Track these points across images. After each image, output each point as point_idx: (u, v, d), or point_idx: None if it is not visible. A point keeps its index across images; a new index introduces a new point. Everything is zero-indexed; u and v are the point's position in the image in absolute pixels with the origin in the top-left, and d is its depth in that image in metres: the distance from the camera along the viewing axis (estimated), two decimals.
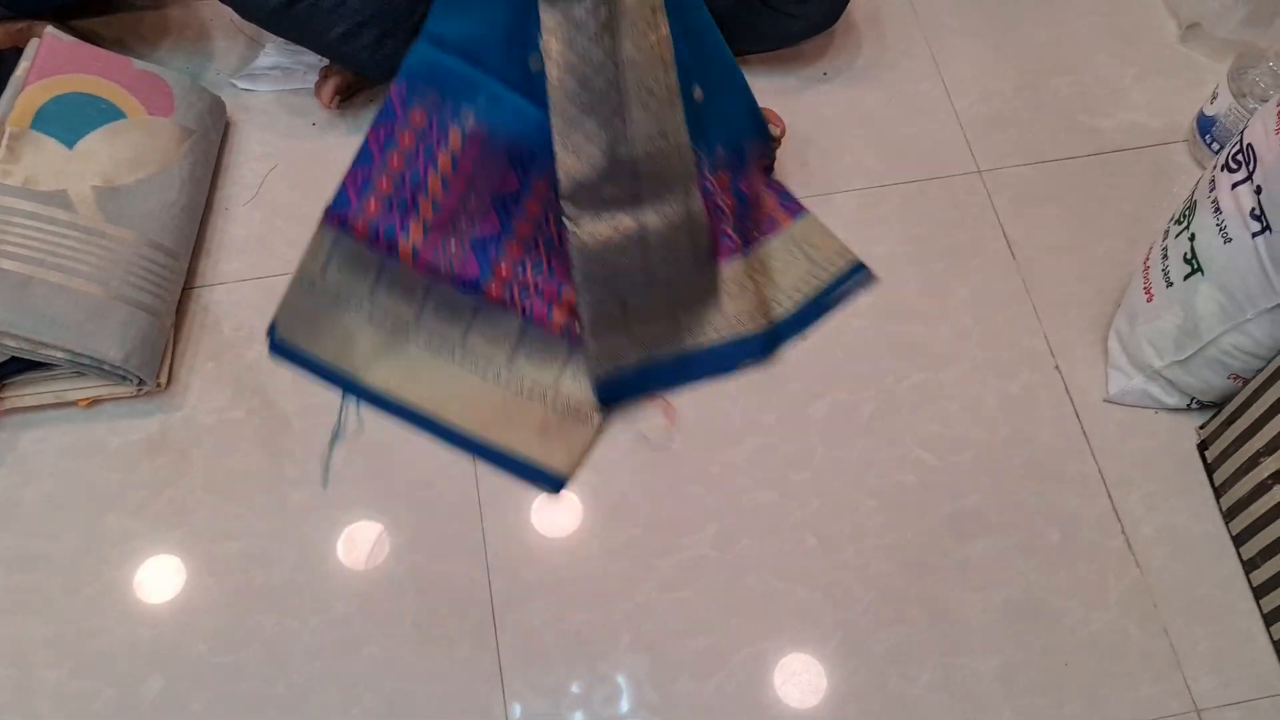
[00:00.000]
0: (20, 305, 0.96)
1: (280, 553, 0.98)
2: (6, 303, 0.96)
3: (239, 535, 0.98)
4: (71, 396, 1.02)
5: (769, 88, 1.25)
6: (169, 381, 1.05)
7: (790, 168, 1.20)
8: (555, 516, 1.00)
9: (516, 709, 0.92)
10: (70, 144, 1.05)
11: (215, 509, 1.00)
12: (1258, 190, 0.91)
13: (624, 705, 0.92)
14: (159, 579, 0.96)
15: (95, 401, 1.03)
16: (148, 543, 0.98)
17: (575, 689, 0.93)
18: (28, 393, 1.02)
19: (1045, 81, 1.28)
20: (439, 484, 1.01)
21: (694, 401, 1.06)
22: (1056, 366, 1.09)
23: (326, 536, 0.99)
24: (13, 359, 0.99)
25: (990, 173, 1.21)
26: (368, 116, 1.21)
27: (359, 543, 0.98)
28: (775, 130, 1.14)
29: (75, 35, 1.13)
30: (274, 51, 1.25)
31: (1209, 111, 1.19)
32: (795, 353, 1.09)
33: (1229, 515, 1.01)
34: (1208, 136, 1.19)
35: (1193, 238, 0.99)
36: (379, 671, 0.93)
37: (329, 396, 1.05)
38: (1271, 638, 0.96)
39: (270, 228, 1.15)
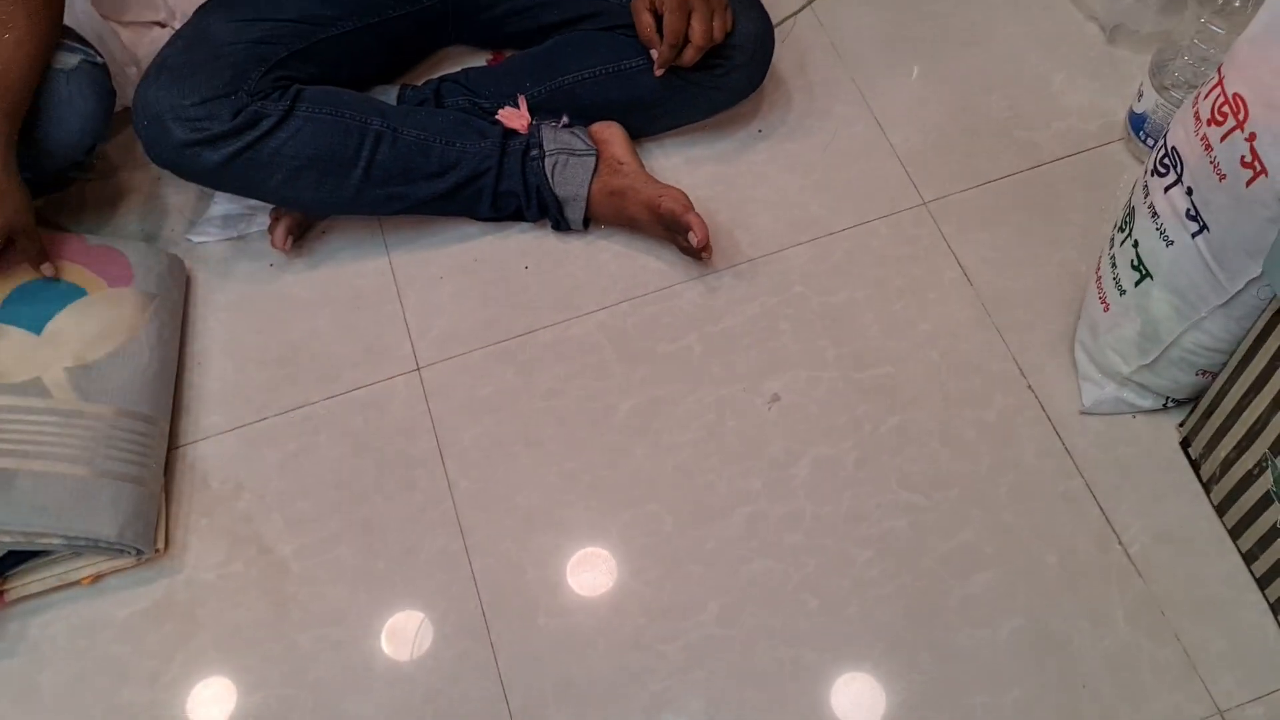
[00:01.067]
0: (8, 501, 0.98)
1: (297, 699, 0.99)
2: None
3: (254, 689, 1.00)
4: (74, 577, 1.04)
5: (706, 153, 1.28)
6: (166, 545, 1.06)
7: (737, 230, 1.22)
8: (561, 618, 1.01)
9: None
10: (38, 330, 1.08)
11: (228, 666, 1.01)
12: (1189, 191, 0.92)
13: None
14: None
15: (98, 578, 1.05)
16: (167, 712, 0.99)
17: None
18: (31, 580, 1.04)
19: (976, 102, 1.30)
20: (442, 605, 1.02)
21: (678, 480, 1.07)
22: (1029, 386, 1.10)
23: (339, 679, 1.00)
24: (10, 552, 1.01)
25: (935, 203, 1.23)
26: (324, 251, 1.23)
27: (373, 677, 1.00)
28: (694, 239, 1.13)
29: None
30: (224, 200, 1.27)
31: (1138, 109, 1.20)
32: (770, 414, 1.10)
33: (1221, 509, 1.02)
34: (1141, 133, 1.21)
35: (1136, 244, 1.00)
36: None
37: (323, 532, 1.06)
38: None
39: (244, 375, 1.17)
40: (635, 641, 1.00)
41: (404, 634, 1.01)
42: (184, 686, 1.00)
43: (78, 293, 1.11)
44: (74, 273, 1.12)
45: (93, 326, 1.09)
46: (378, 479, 1.09)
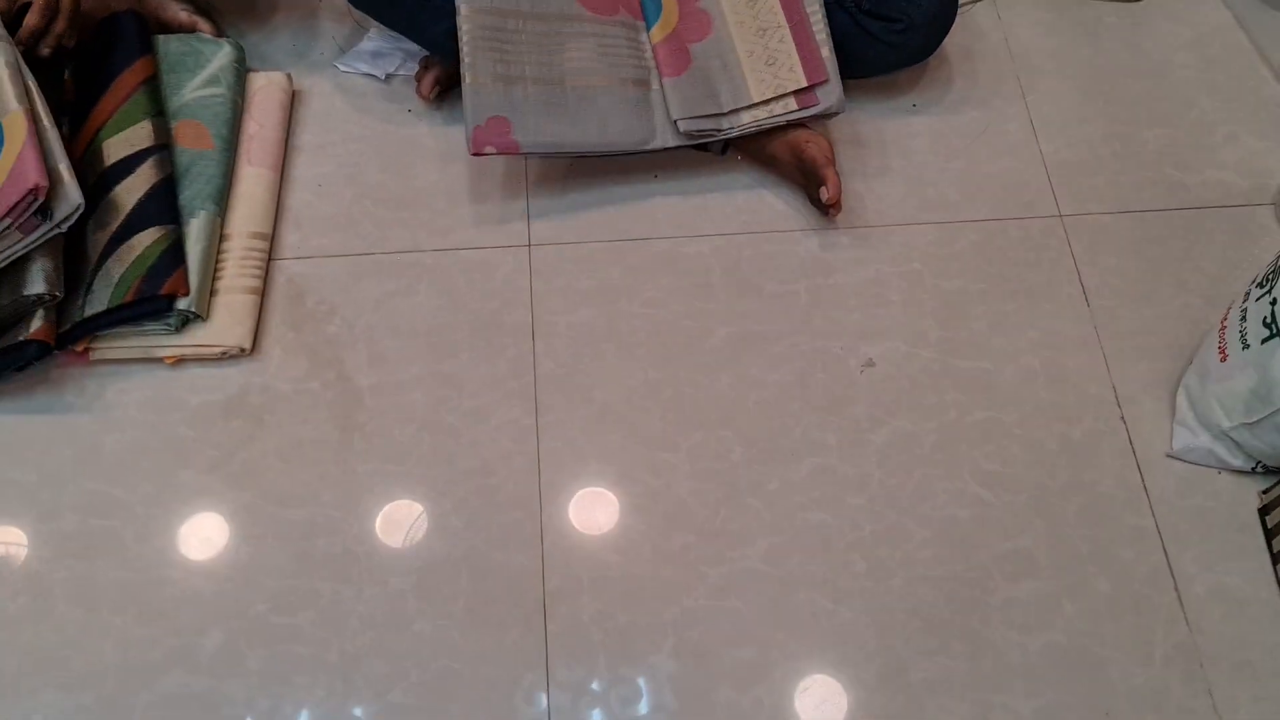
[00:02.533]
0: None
1: (344, 523, 1.01)
2: None
3: (305, 502, 1.01)
4: (159, 353, 1.06)
5: (857, 114, 1.27)
6: (253, 347, 1.08)
7: (869, 196, 1.21)
8: (612, 516, 1.02)
9: (559, 698, 0.94)
10: None
11: (285, 475, 1.03)
12: None
13: (662, 708, 0.94)
14: (226, 537, 1.00)
15: (181, 360, 1.07)
16: (218, 501, 1.01)
17: (617, 685, 0.95)
18: (117, 345, 1.06)
19: (1135, 132, 1.28)
20: (502, 473, 1.03)
21: (756, 415, 1.08)
22: (1122, 417, 1.09)
23: (389, 514, 1.01)
24: (105, 314, 1.02)
25: (1071, 218, 1.21)
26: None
27: (420, 522, 1.01)
28: (825, 194, 1.14)
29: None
30: (377, 37, 1.28)
31: None
32: (861, 377, 1.10)
33: None
34: None
35: (1274, 302, 0.98)
36: (427, 648, 0.96)
37: (402, 375, 1.08)
38: None
39: (360, 208, 1.18)
40: (680, 557, 1.01)
41: (458, 490, 1.03)
42: (238, 482, 1.02)
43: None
44: None
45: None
46: (467, 338, 1.10)
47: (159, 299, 1.03)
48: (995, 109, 1.29)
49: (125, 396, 1.06)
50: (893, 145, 1.25)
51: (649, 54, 1.18)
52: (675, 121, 1.15)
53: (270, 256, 1.14)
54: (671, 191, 1.21)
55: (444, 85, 1.23)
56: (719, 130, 1.16)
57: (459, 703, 0.94)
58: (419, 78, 1.23)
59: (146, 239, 1.05)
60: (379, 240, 1.16)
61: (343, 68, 1.27)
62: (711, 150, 1.22)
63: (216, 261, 1.10)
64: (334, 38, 1.30)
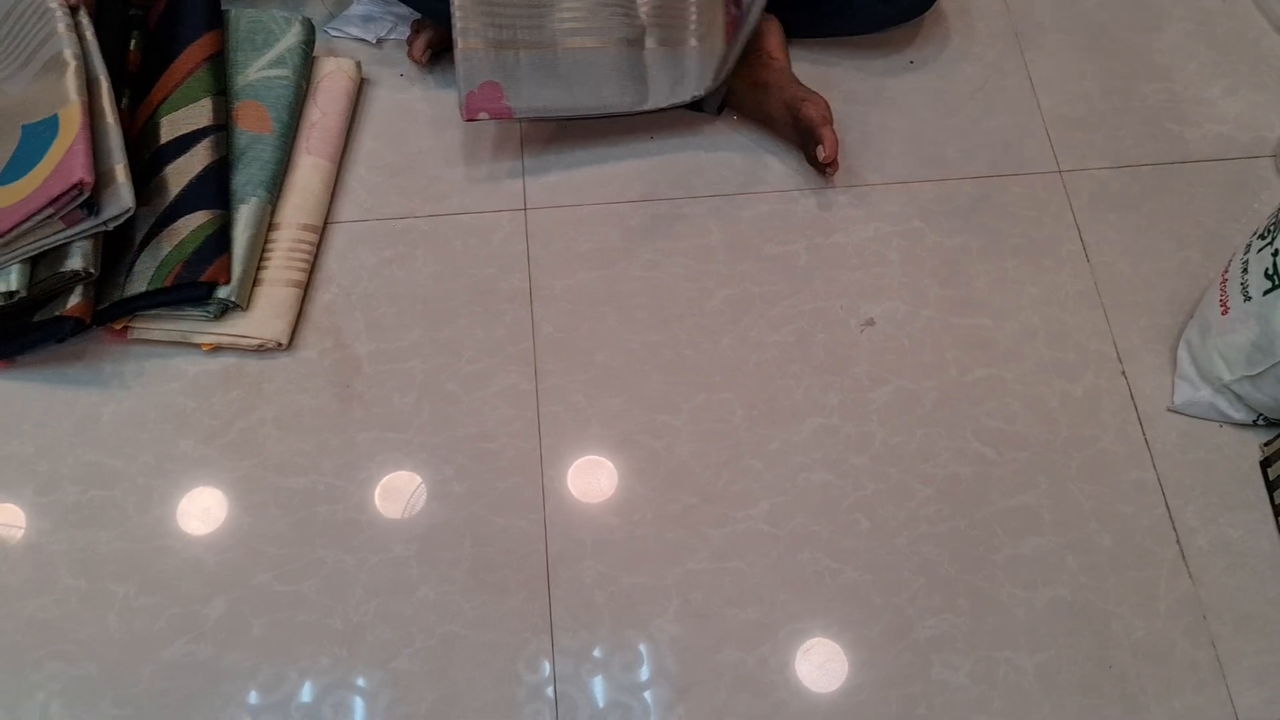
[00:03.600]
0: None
1: (344, 491, 1.00)
2: None
3: (305, 471, 1.01)
4: (196, 339, 1.05)
5: (853, 71, 1.26)
6: (290, 343, 1.07)
7: (867, 154, 1.20)
8: (614, 479, 1.02)
9: (563, 663, 0.94)
10: None
11: (284, 444, 1.02)
12: None
13: (668, 670, 0.94)
14: (227, 506, 0.99)
15: (218, 348, 1.06)
16: (218, 470, 1.01)
17: (622, 649, 0.95)
18: (154, 327, 1.05)
19: (1134, 86, 1.27)
20: (502, 438, 1.03)
21: (757, 376, 1.07)
22: (1123, 372, 1.09)
23: (390, 481, 1.01)
24: (143, 296, 1.02)
25: (1071, 173, 1.20)
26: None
27: (421, 490, 1.01)
28: (822, 154, 1.13)
29: None
30: (368, 1, 1.26)
31: None
32: (861, 336, 1.09)
33: None
34: None
35: (1276, 253, 0.98)
36: (432, 614, 0.96)
37: (401, 342, 1.07)
38: None
39: (352, 175, 1.17)
40: (682, 519, 1.00)
41: (459, 456, 1.02)
42: (237, 451, 1.02)
43: None
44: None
45: None
46: (466, 304, 1.09)
47: (199, 285, 1.02)
48: (993, 64, 1.28)
49: (123, 367, 1.05)
50: (890, 103, 1.24)
51: (642, 14, 1.17)
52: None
53: (318, 251, 1.13)
54: (668, 152, 1.20)
55: (436, 49, 1.22)
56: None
57: (463, 668, 0.94)
58: (411, 41, 1.21)
59: (193, 222, 1.04)
60: (374, 207, 1.15)
61: (333, 32, 1.25)
62: (707, 110, 1.21)
63: (263, 251, 1.08)
64: (324, 2, 1.28)
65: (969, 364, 1.09)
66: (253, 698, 0.92)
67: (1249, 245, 1.04)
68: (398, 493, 1.01)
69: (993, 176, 1.20)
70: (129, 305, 1.02)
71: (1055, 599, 0.98)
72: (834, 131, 1.13)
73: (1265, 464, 1.05)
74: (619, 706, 0.93)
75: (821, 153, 1.13)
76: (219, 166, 1.07)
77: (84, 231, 0.98)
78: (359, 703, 0.92)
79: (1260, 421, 1.05)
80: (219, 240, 1.04)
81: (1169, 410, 1.07)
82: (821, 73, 1.25)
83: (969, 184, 1.19)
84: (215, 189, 1.06)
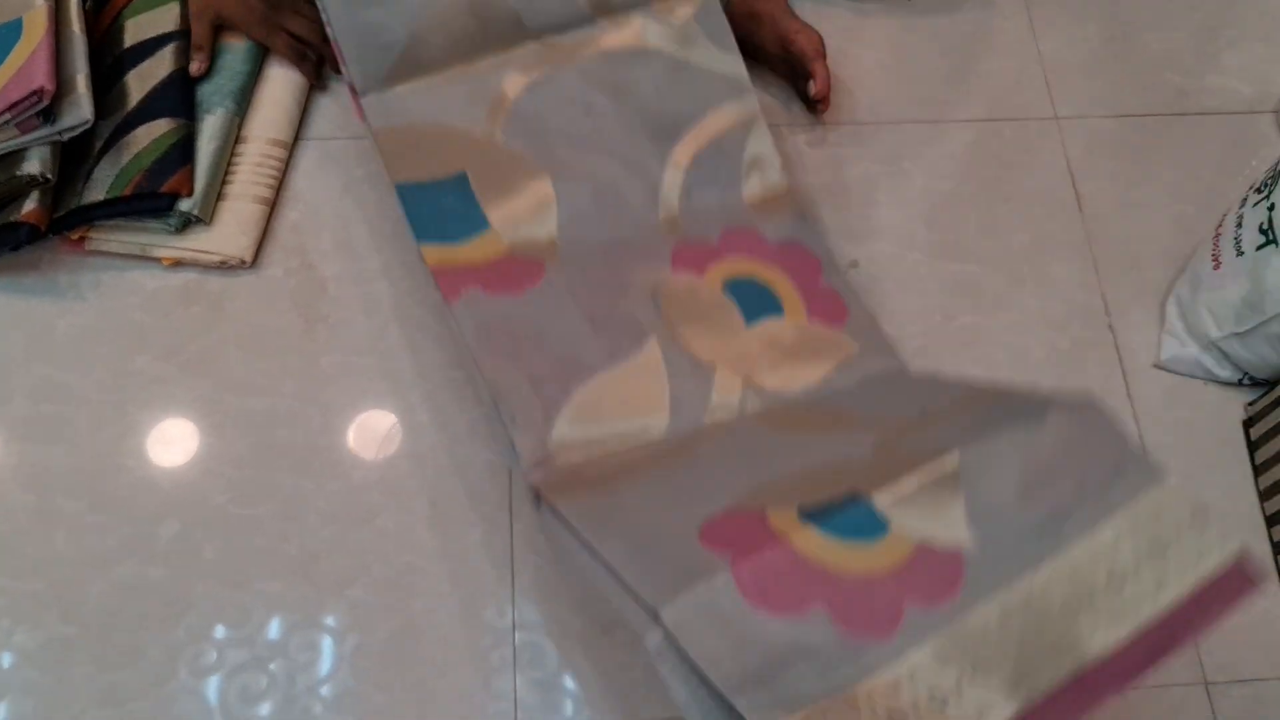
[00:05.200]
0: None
1: (305, 415, 0.97)
2: None
3: (266, 393, 0.98)
4: (156, 253, 1.01)
5: (850, 9, 1.21)
6: (254, 260, 1.03)
7: (859, 91, 1.17)
8: None
9: (523, 601, 0.92)
10: None
11: (244, 364, 0.99)
12: None
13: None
14: (183, 426, 0.96)
15: (179, 263, 1.02)
16: (176, 389, 0.98)
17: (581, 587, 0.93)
18: (113, 239, 1.01)
19: (1137, 35, 1.24)
20: (470, 368, 1.00)
21: None
22: (1109, 325, 1.07)
23: (352, 406, 0.98)
24: (101, 205, 0.98)
25: (1067, 120, 1.17)
26: None
27: (384, 416, 0.98)
28: (813, 89, 1.09)
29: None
30: None
31: None
32: (849, 277, 1.06)
33: (1265, 495, 0.99)
34: None
35: (1272, 208, 0.95)
36: (390, 544, 0.93)
37: (369, 264, 1.04)
38: None
39: (325, 92, 1.13)
40: None
41: (425, 384, 0.99)
42: (196, 369, 0.98)
43: None
44: None
45: None
46: None
47: (160, 196, 0.98)
48: (993, 5, 1.24)
49: (79, 279, 1.01)
50: (886, 40, 1.20)
51: None
52: None
53: (287, 167, 1.08)
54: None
55: None
56: None
57: (422, 599, 0.91)
58: None
59: (155, 131, 1.00)
60: (347, 124, 1.11)
61: None
62: None
63: (229, 165, 1.04)
64: None
65: (954, 310, 1.06)
66: (204, 622, 0.89)
67: (1245, 199, 1.01)
68: (360, 419, 0.98)
69: (988, 120, 1.17)
70: (86, 213, 0.98)
71: None
72: (827, 66, 1.09)
73: (1248, 424, 1.03)
74: (578, 637, 0.91)
75: (813, 87, 1.09)
76: (184, 74, 1.03)
77: (39, 139, 0.94)
78: (313, 633, 0.90)
79: (1245, 381, 1.03)
80: (182, 151, 1.00)
81: (1154, 366, 1.05)
82: (817, 7, 1.21)
83: (963, 127, 1.16)
84: (179, 97, 1.02)
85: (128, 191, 0.97)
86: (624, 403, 0.85)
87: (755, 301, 0.94)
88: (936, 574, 0.64)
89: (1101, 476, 0.71)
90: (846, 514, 0.66)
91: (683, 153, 1.01)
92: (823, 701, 0.57)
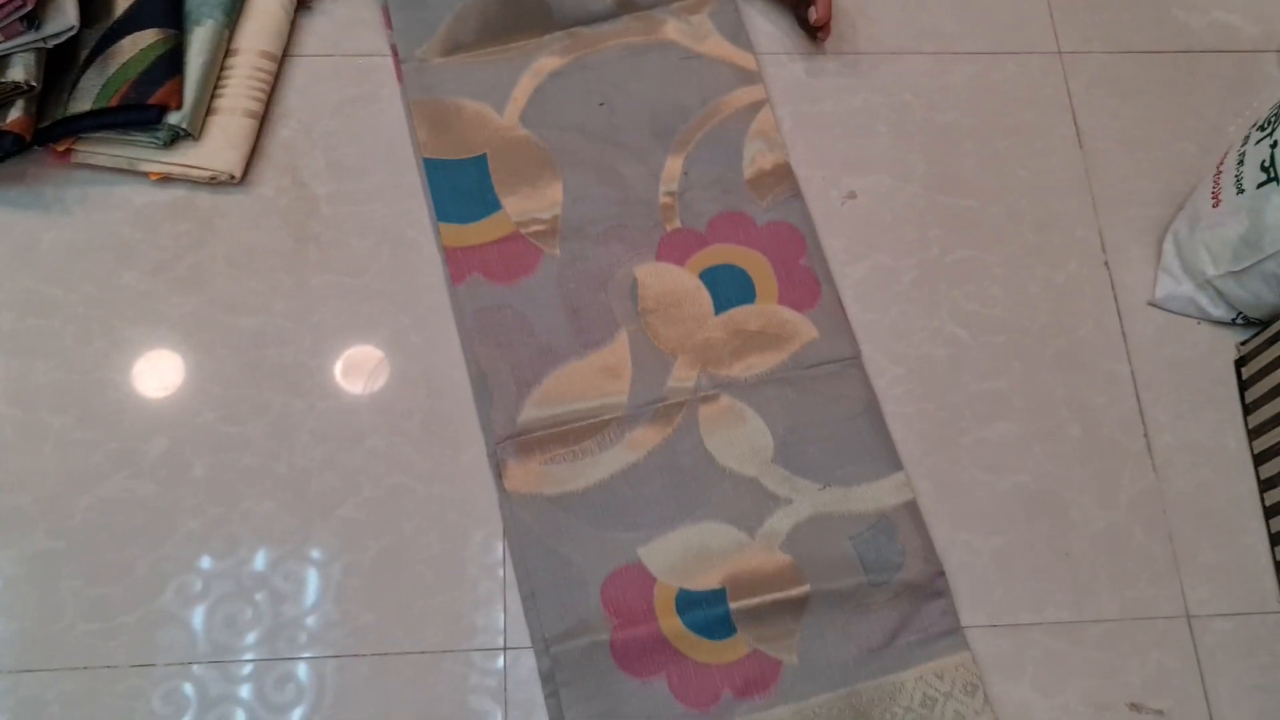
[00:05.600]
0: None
1: (296, 334, 0.96)
2: None
3: (256, 311, 0.97)
4: (143, 167, 0.99)
5: None
6: (243, 176, 1.01)
7: (861, 20, 1.15)
8: None
9: (512, 518, 0.92)
10: None
11: (234, 281, 0.98)
12: None
13: None
14: (171, 343, 0.95)
15: (167, 177, 1.00)
16: (164, 305, 0.96)
17: None
18: (100, 152, 0.99)
19: None
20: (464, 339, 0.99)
21: None
22: (1106, 262, 1.06)
23: (344, 325, 0.97)
24: (87, 115, 0.95)
25: (1070, 55, 1.15)
26: None
27: (378, 336, 0.97)
28: (814, 15, 1.07)
29: None
30: None
31: None
32: (842, 208, 1.05)
33: (1254, 434, 1.00)
34: None
35: (1275, 145, 0.94)
36: (380, 464, 0.93)
37: (362, 184, 1.02)
38: (1275, 558, 0.96)
39: (319, 7, 1.10)
40: None
41: (417, 305, 0.98)
42: (185, 286, 0.97)
43: None
44: None
45: None
46: None
47: (147, 108, 0.96)
48: None
49: (65, 192, 0.99)
50: None
51: None
52: None
53: (277, 80, 1.06)
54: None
55: None
56: None
57: (412, 520, 0.91)
58: None
59: (141, 41, 0.97)
60: (339, 41, 1.08)
61: None
62: None
63: (219, 78, 1.02)
64: None
65: (951, 244, 1.05)
66: (190, 529, 0.89)
67: (1247, 137, 1.00)
68: (352, 339, 0.97)
69: (990, 53, 1.15)
70: (72, 125, 0.96)
71: (1018, 485, 0.97)
72: None
73: (1240, 363, 1.03)
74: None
75: (813, 14, 1.07)
76: None
77: (22, 46, 0.92)
78: (300, 564, 0.89)
79: (1239, 320, 1.03)
80: (170, 62, 0.98)
81: (1149, 304, 1.05)
82: None
83: (965, 59, 1.14)
84: (167, 6, 0.99)
85: (114, 102, 0.95)
86: (589, 387, 0.95)
87: (729, 289, 1.00)
88: (757, 676, 0.88)
89: (916, 635, 0.90)
90: (708, 613, 0.88)
91: (688, 137, 1.05)
92: None
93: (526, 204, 1.01)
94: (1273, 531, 0.96)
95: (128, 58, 0.96)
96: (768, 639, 0.89)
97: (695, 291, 1.00)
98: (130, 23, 0.98)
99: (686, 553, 0.90)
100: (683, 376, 0.96)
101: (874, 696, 0.87)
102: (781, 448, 0.94)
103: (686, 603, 0.89)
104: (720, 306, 0.99)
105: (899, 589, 0.90)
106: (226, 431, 0.93)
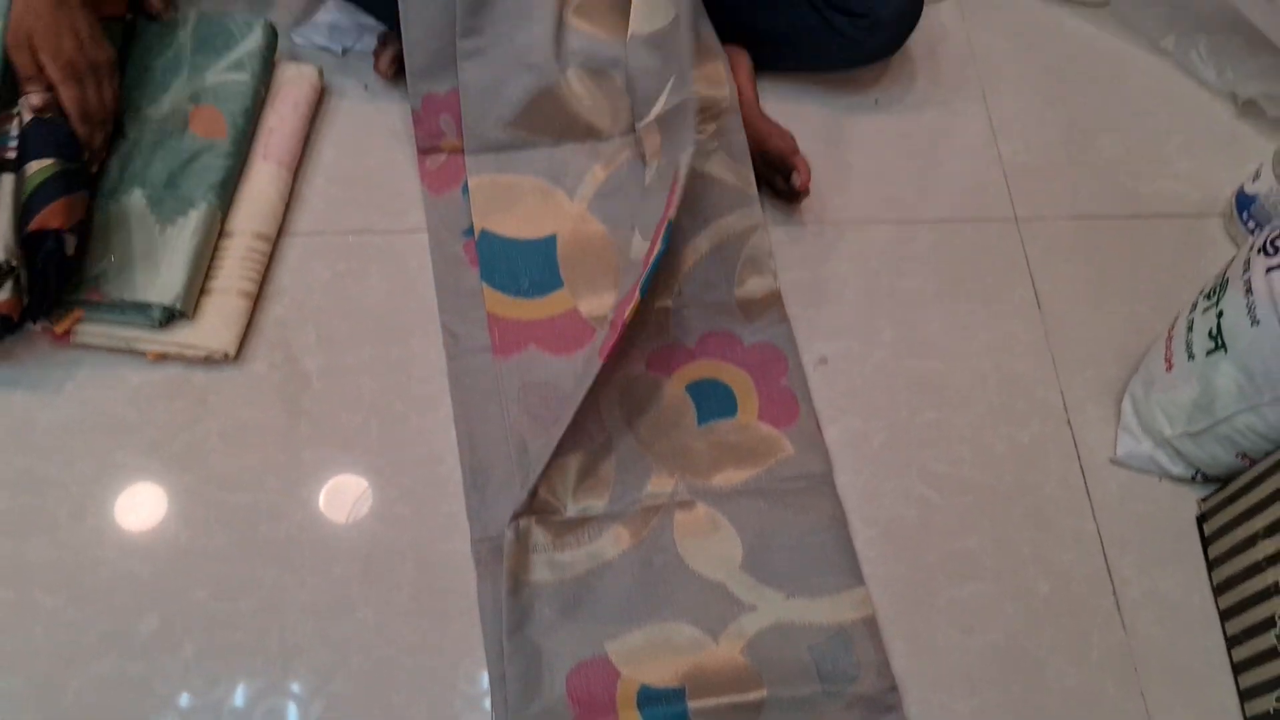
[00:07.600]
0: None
1: (288, 509, 0.99)
2: None
3: (249, 487, 0.99)
4: (140, 348, 1.03)
5: (818, 109, 1.27)
6: (238, 354, 1.05)
7: (829, 192, 1.21)
8: None
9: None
10: None
11: (228, 458, 1.01)
12: None
13: None
14: (165, 520, 0.97)
15: (164, 356, 1.03)
16: (158, 482, 0.99)
17: None
18: (100, 332, 1.02)
19: (1092, 138, 1.30)
20: (450, 461, 1.02)
21: None
22: (1068, 421, 1.11)
23: (335, 499, 1.00)
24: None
25: (1026, 221, 1.22)
26: None
27: (366, 509, 0.99)
28: (797, 180, 1.14)
29: None
30: (334, 9, 1.25)
31: (1249, 190, 1.20)
32: (816, 373, 1.10)
33: (1219, 590, 1.03)
34: (1245, 214, 1.21)
35: (1220, 315, 1.00)
36: (370, 637, 0.95)
37: (351, 359, 1.06)
38: (1245, 714, 0.98)
39: (310, 185, 1.15)
40: None
41: (405, 478, 1.01)
42: (180, 463, 1.00)
43: None
44: None
45: None
46: (419, 322, 1.08)
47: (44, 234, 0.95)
48: (956, 109, 1.30)
49: (61, 372, 1.02)
50: (853, 141, 1.25)
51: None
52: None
53: (271, 260, 1.11)
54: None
55: (402, 63, 1.20)
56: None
57: (401, 692, 0.93)
58: (377, 54, 1.20)
59: (34, 167, 0.97)
60: (330, 219, 1.14)
61: (298, 39, 1.24)
62: None
63: (213, 259, 1.06)
64: (290, 8, 1.26)
65: (919, 406, 1.10)
66: (180, 709, 0.90)
67: (1195, 304, 1.06)
68: (342, 512, 0.99)
69: (951, 221, 1.21)
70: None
71: (992, 644, 0.99)
72: (805, 159, 1.14)
73: (1201, 519, 1.07)
74: None
75: (796, 179, 1.13)
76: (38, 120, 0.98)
77: None
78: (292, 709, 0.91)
79: (1198, 478, 1.07)
80: (57, 184, 0.97)
81: (1111, 461, 1.09)
82: (788, 108, 1.25)
83: (927, 227, 1.21)
84: (61, 137, 0.99)
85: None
86: (577, 483, 1.00)
87: (712, 402, 1.06)
88: None
89: None
90: (667, 710, 0.91)
91: (688, 257, 1.09)
92: None
93: (587, 286, 1.10)
94: (1243, 688, 0.99)
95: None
96: None
97: (681, 401, 1.05)
98: (25, 155, 0.98)
99: (651, 649, 0.94)
100: (661, 483, 1.01)
101: None
102: (750, 554, 0.99)
103: (647, 698, 0.92)
104: (703, 418, 1.05)
105: (851, 700, 0.93)
106: (217, 609, 0.94)
